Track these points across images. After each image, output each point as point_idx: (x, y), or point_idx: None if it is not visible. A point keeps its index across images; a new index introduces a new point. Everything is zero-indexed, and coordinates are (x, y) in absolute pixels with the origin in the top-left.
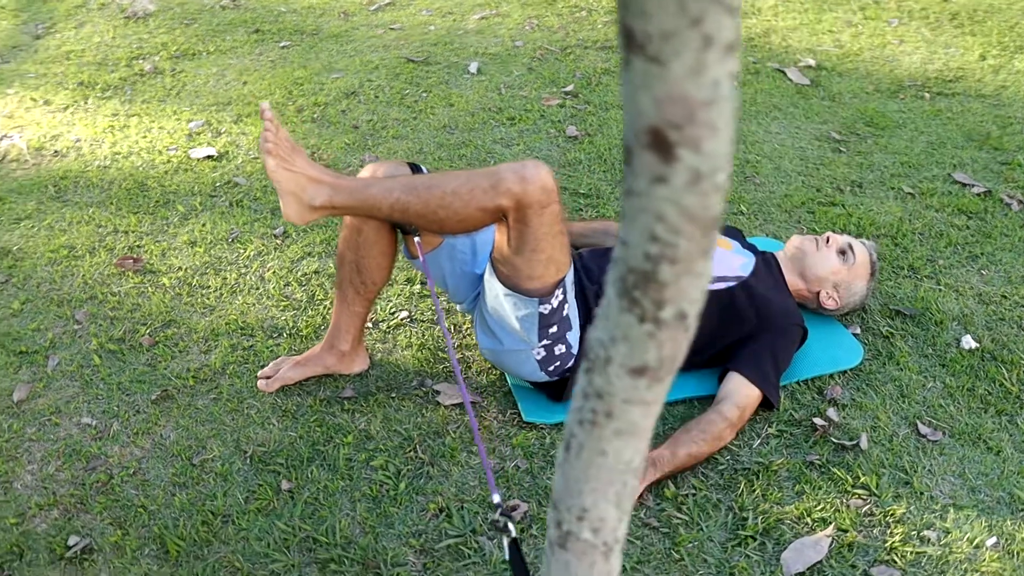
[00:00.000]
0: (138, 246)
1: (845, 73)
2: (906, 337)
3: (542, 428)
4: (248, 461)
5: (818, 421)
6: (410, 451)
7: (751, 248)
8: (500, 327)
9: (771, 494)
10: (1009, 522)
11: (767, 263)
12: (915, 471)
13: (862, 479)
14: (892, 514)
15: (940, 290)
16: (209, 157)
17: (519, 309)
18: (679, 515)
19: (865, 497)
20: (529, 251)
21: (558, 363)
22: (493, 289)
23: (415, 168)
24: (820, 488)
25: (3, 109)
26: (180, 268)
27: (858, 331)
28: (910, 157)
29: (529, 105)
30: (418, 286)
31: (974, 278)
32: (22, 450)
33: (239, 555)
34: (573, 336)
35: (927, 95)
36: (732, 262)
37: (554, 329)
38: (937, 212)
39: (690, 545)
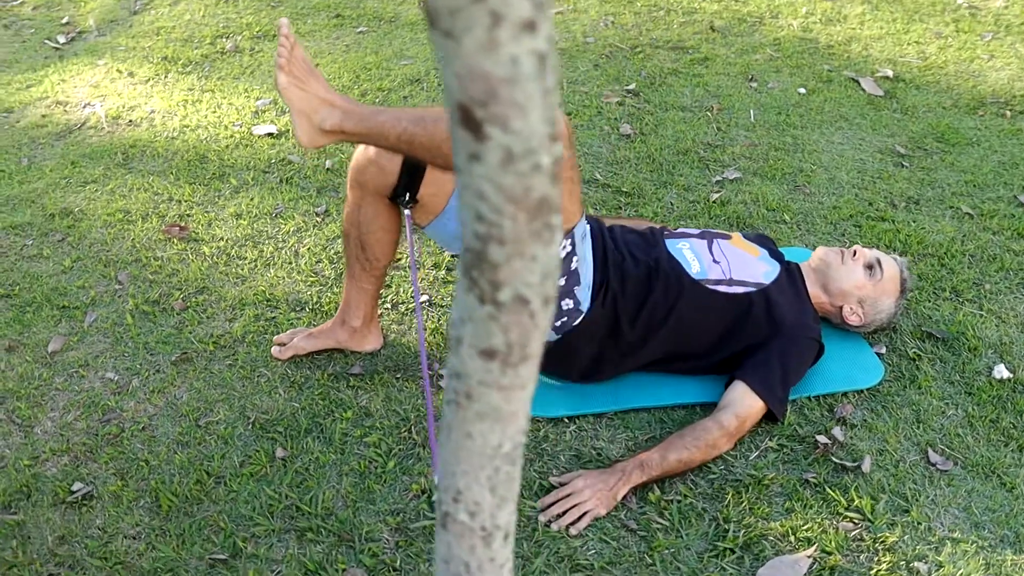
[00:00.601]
0: (187, 215)
1: (924, 86)
2: (934, 361)
3: (537, 421)
4: (250, 427)
5: (821, 439)
6: (404, 431)
7: (778, 257)
8: None
9: (758, 508)
10: (1010, 562)
11: (791, 274)
12: (916, 500)
13: (857, 502)
14: (883, 541)
15: (981, 315)
16: (269, 134)
17: None
18: (660, 520)
19: (857, 521)
20: None
21: (565, 319)
22: None
23: None
24: (811, 507)
25: (91, 79)
26: (222, 238)
27: (883, 351)
28: (976, 176)
29: (588, 101)
30: (443, 271)
31: (1022, 306)
32: (47, 398)
33: (225, 515)
34: (583, 293)
35: (1008, 113)
36: (756, 269)
37: (562, 283)
38: (994, 235)
39: (666, 551)
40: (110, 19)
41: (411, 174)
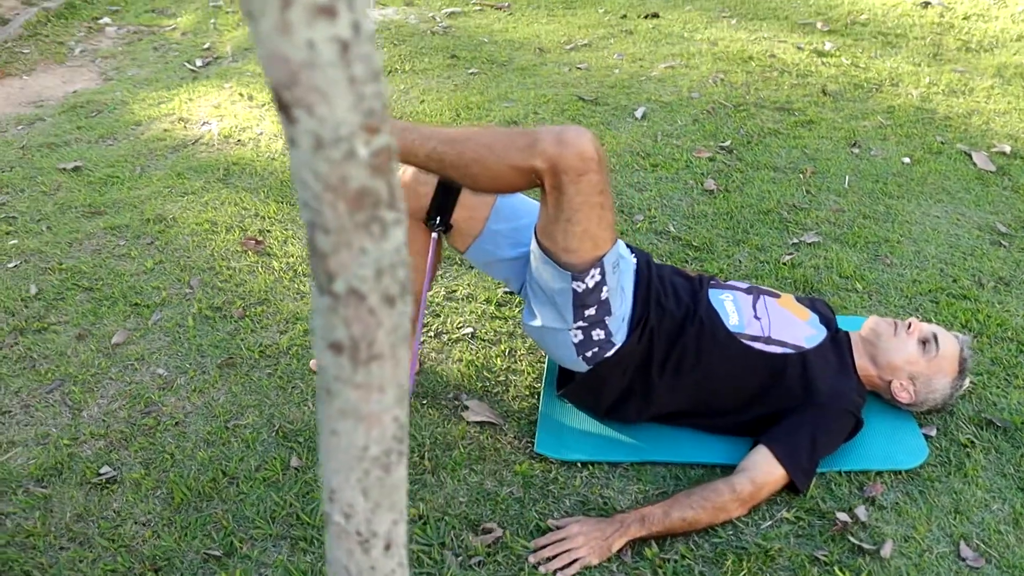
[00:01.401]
0: (267, 230)
1: None
2: (988, 451)
3: (550, 462)
4: (274, 434)
5: (841, 516)
6: (416, 456)
7: (828, 324)
8: (540, 301)
9: None
10: None
11: (837, 343)
12: None
13: None
14: None
15: None
16: None
17: (555, 281)
18: None
19: None
20: (564, 221)
21: (596, 349)
22: (535, 259)
23: None
24: None
25: (215, 100)
26: (293, 255)
27: (933, 433)
28: None
29: (678, 155)
30: (493, 307)
31: None
32: (100, 385)
33: (230, 515)
34: (615, 324)
35: None
36: (798, 332)
37: (591, 311)
38: None
39: None
40: (245, 47)
41: (445, 198)
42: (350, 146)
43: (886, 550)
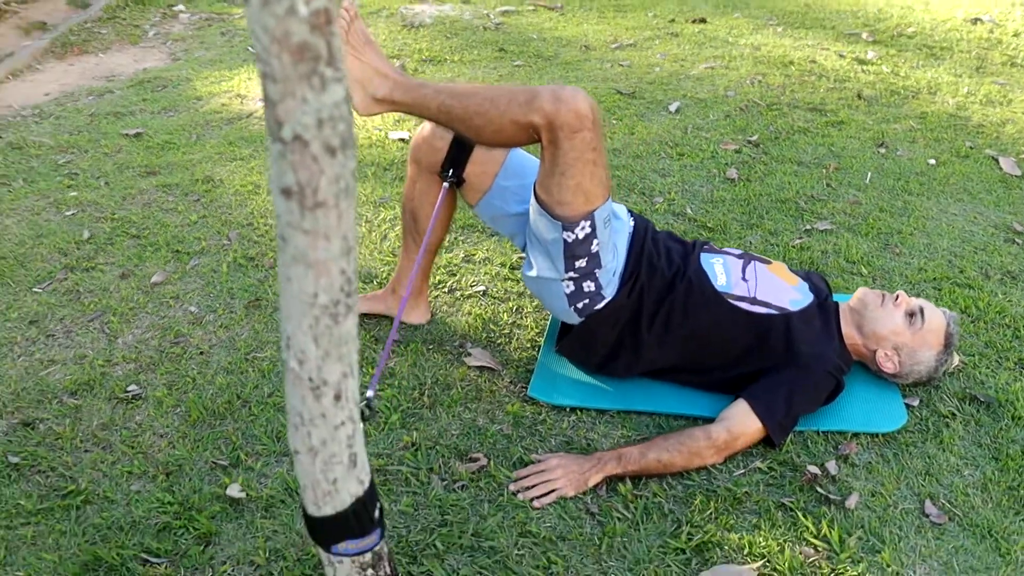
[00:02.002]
0: None
1: None
2: (968, 422)
3: (540, 406)
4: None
5: (812, 468)
6: (416, 392)
7: (818, 294)
8: (536, 251)
9: (723, 519)
10: None
11: (824, 310)
12: (894, 544)
13: (826, 532)
14: (842, 574)
15: None
16: (401, 140)
17: (548, 232)
18: (622, 511)
19: (821, 549)
20: (559, 174)
21: (586, 301)
22: (533, 211)
23: None
24: (777, 527)
25: None
26: None
27: (915, 403)
28: None
29: (705, 146)
30: (507, 269)
31: None
32: (137, 318)
33: (240, 432)
34: (605, 277)
35: None
36: (783, 295)
37: (581, 263)
38: None
39: (617, 539)
40: None
41: (459, 153)
42: (291, 3)
43: (851, 501)
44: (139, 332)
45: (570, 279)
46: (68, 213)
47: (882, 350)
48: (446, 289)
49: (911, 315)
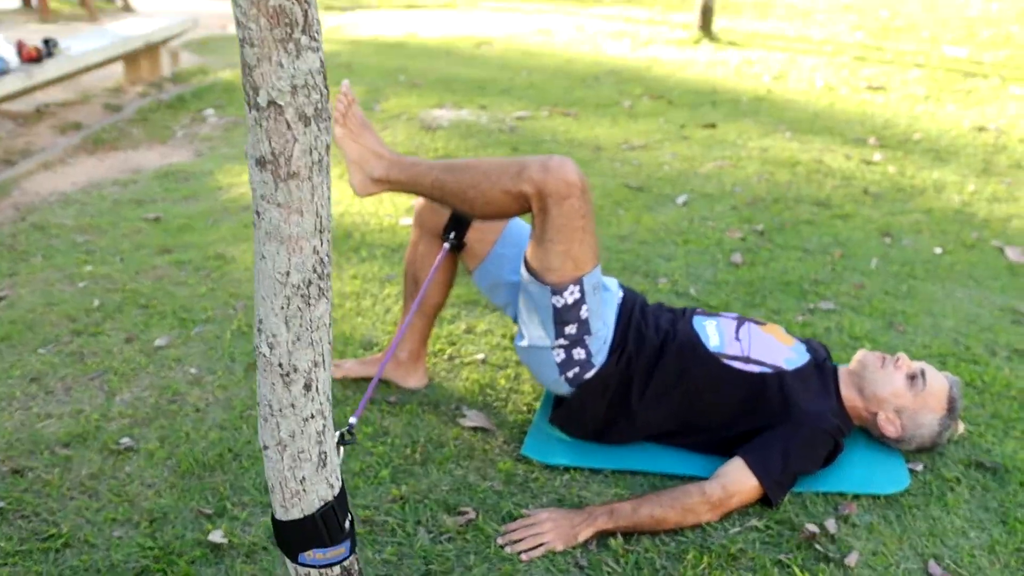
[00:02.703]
0: None
1: None
2: (974, 487)
3: (534, 465)
4: None
5: (810, 527)
6: (408, 449)
7: (816, 356)
8: (526, 318)
9: (716, 574)
10: None
11: (821, 370)
12: None
13: None
14: None
15: None
16: (408, 225)
17: (538, 298)
18: (612, 565)
19: None
20: (548, 241)
21: (576, 369)
22: (523, 278)
23: None
24: None
25: None
26: (336, 293)
27: (919, 468)
28: None
29: (711, 234)
30: (508, 340)
31: None
32: (137, 378)
33: (228, 484)
34: (595, 344)
35: None
36: (778, 354)
37: (571, 329)
38: None
39: None
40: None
41: (461, 217)
42: None
43: (851, 559)
44: (138, 391)
45: (560, 347)
46: (81, 285)
47: (883, 413)
48: (446, 356)
49: (912, 377)
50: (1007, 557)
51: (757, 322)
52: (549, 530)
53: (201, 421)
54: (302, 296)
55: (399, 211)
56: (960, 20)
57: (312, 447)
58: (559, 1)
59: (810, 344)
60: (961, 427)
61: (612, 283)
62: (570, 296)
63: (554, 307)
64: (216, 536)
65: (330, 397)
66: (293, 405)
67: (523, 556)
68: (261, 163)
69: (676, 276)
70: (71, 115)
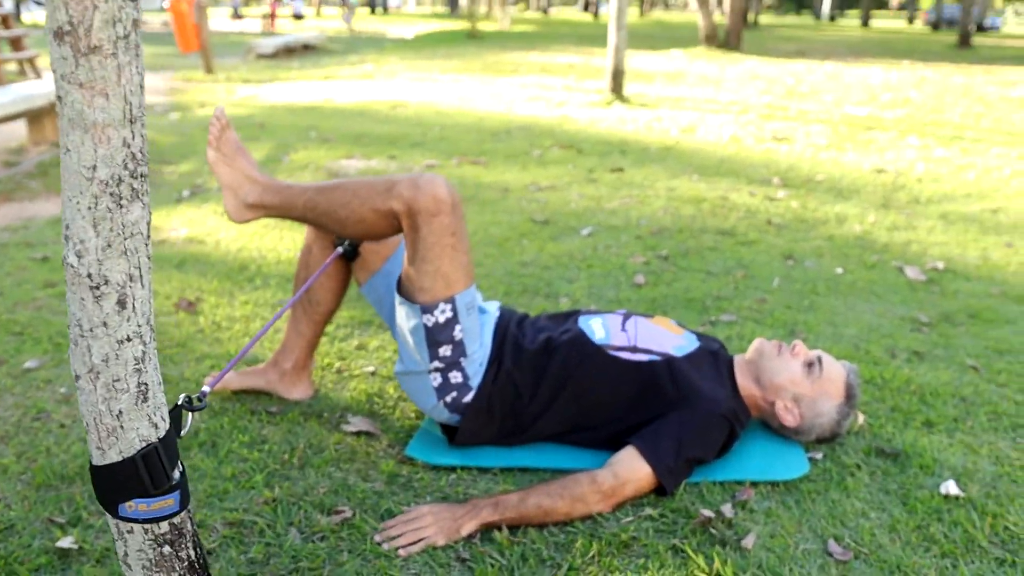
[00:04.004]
0: (202, 299)
1: (974, 278)
2: (874, 472)
3: (420, 466)
4: None
5: (706, 512)
6: (286, 455)
7: (706, 344)
8: (401, 343)
9: (607, 561)
10: None
11: (715, 357)
12: None
13: (719, 569)
14: None
15: (951, 444)
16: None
17: (409, 319)
18: (496, 558)
19: None
20: (419, 260)
21: (454, 394)
22: (396, 301)
23: None
24: (667, 567)
25: (189, 215)
26: (223, 316)
27: (819, 456)
28: (1001, 344)
29: (615, 259)
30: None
31: (1004, 443)
32: (1, 399)
33: (86, 494)
34: (471, 367)
35: None
36: (666, 341)
37: (445, 351)
38: (999, 387)
39: None
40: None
41: None
42: None
43: (748, 541)
44: (0, 411)
45: (436, 370)
46: None
47: (781, 401)
48: (334, 370)
49: (810, 365)
50: (908, 534)
51: (645, 315)
52: (430, 524)
53: (65, 436)
54: (112, 195)
55: (297, 246)
56: (862, 86)
57: (129, 375)
58: (476, 71)
59: (701, 335)
60: (861, 418)
61: (492, 306)
62: (441, 315)
63: (425, 327)
64: (66, 542)
65: (151, 321)
66: (105, 324)
67: (401, 551)
68: (59, 35)
69: (578, 295)
70: None
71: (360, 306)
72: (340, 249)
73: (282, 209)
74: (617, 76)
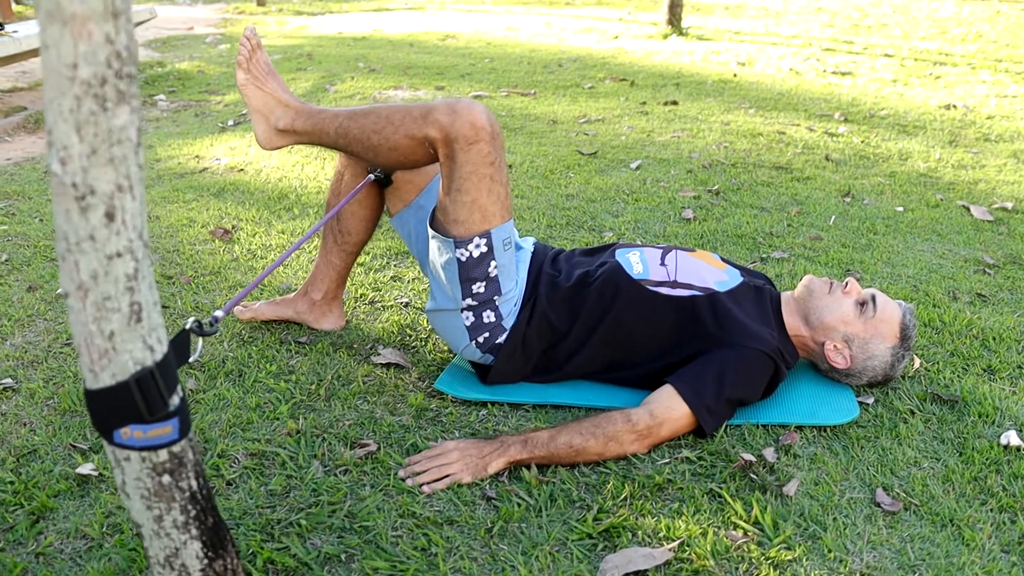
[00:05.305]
0: (239, 227)
1: None
2: (929, 419)
3: (450, 400)
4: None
5: (747, 456)
6: (313, 386)
7: (751, 278)
8: (433, 279)
9: (639, 504)
10: None
11: (760, 293)
12: (840, 531)
13: (758, 516)
14: (773, 559)
15: (1013, 392)
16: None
17: (442, 254)
18: (524, 497)
19: (751, 534)
20: (455, 191)
21: (487, 334)
22: (430, 235)
23: None
24: (702, 512)
25: (232, 144)
26: (258, 245)
27: (871, 401)
28: None
29: (663, 193)
30: None
31: None
32: (33, 323)
33: None
34: (505, 306)
35: None
36: (707, 276)
37: (479, 288)
38: None
39: (512, 523)
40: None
41: None
42: None
43: (790, 488)
44: (31, 335)
45: (469, 308)
46: None
47: (831, 342)
48: (367, 301)
49: (862, 304)
50: (963, 486)
51: (686, 249)
52: (456, 460)
53: None
54: (95, 97)
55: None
56: (931, 20)
57: (121, 294)
58: (529, 3)
59: (745, 270)
60: (916, 362)
61: (527, 242)
62: (476, 249)
63: (459, 261)
64: (86, 468)
65: (144, 236)
66: (93, 237)
67: (425, 488)
68: None
69: (623, 230)
70: (16, 100)
71: (396, 236)
72: (372, 176)
73: (313, 135)
74: (675, 8)
